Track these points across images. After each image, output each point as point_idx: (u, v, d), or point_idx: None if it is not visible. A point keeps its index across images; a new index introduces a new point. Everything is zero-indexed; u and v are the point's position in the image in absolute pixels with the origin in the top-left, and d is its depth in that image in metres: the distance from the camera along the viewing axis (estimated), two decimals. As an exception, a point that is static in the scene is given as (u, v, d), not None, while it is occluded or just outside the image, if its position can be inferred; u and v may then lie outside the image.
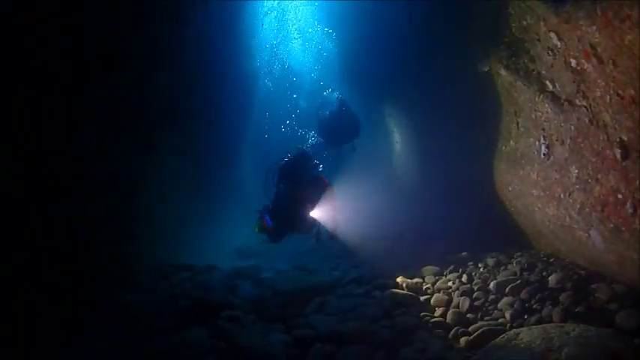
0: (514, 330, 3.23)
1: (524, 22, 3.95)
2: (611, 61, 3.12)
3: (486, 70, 4.99)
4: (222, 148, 9.95)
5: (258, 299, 5.05)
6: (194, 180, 7.93)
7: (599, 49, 3.21)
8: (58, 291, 4.36)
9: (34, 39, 3.49)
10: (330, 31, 13.28)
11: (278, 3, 14.92)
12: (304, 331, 4.17)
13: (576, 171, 3.91)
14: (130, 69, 4.85)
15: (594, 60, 3.30)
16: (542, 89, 4.05)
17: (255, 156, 14.20)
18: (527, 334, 3.01)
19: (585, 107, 3.56)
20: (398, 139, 9.51)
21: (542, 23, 3.66)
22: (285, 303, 4.77)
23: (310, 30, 16.28)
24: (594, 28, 3.16)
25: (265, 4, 13.69)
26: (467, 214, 6.08)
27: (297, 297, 4.89)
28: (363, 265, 6.32)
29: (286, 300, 4.84)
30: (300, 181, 5.99)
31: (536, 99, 4.22)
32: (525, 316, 3.89)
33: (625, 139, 3.18)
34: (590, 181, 3.73)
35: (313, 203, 6.01)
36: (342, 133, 10.58)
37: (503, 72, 4.65)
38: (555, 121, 4.07)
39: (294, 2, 15.51)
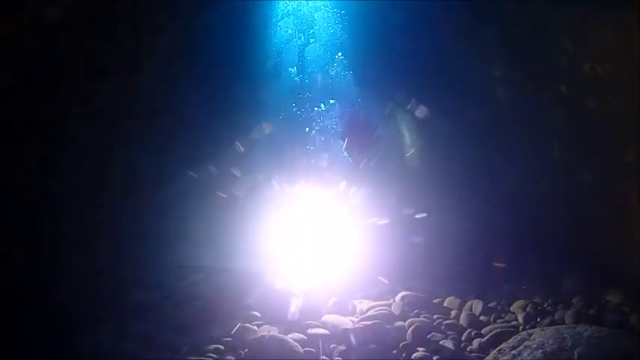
0: (527, 331, 3.27)
1: (539, 26, 4.01)
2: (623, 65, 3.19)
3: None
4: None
5: (273, 299, 5.12)
6: (209, 183, 8.04)
7: (612, 53, 3.28)
8: (72, 291, 4.48)
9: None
10: (343, 12, 12.60)
11: (295, 6, 14.81)
12: (320, 330, 4.25)
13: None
14: (152, 74, 4.99)
15: (607, 64, 3.37)
16: (556, 92, 4.11)
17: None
18: (539, 335, 3.06)
19: (598, 110, 3.62)
20: (410, 144, 9.44)
21: (556, 27, 3.72)
22: (301, 303, 4.85)
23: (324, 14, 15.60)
24: (608, 32, 3.23)
25: (280, 5, 13.73)
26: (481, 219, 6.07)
27: (314, 297, 4.97)
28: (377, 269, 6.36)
29: (303, 300, 4.91)
30: None
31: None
32: (538, 319, 3.94)
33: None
34: (603, 184, 3.78)
35: None
36: (358, 141, 9.98)
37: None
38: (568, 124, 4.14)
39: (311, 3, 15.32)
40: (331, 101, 13.46)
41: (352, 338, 4.04)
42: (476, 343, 3.85)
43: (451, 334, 4.13)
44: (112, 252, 5.27)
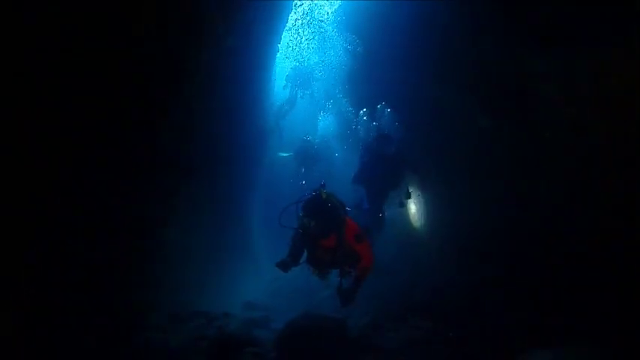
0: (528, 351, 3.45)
1: (521, 74, 4.48)
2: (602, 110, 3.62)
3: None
4: (236, 200, 10.27)
5: (277, 338, 5.21)
6: (209, 229, 8.23)
7: (592, 98, 3.72)
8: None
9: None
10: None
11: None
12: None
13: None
14: (171, 127, 5.33)
15: (588, 108, 3.80)
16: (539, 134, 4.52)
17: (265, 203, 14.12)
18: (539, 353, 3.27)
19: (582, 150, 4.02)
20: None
21: (538, 75, 4.18)
22: (304, 340, 4.95)
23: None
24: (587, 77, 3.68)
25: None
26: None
27: (315, 336, 5.06)
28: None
29: (304, 338, 5.01)
30: (320, 221, 5.01)
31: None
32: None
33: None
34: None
35: (334, 247, 5.11)
36: (383, 177, 7.93)
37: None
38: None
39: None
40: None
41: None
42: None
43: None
44: (114, 294, 5.35)
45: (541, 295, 4.38)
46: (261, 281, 11.41)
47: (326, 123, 16.37)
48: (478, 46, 5.27)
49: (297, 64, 15.20)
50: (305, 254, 5.29)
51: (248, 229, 12.46)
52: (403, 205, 8.16)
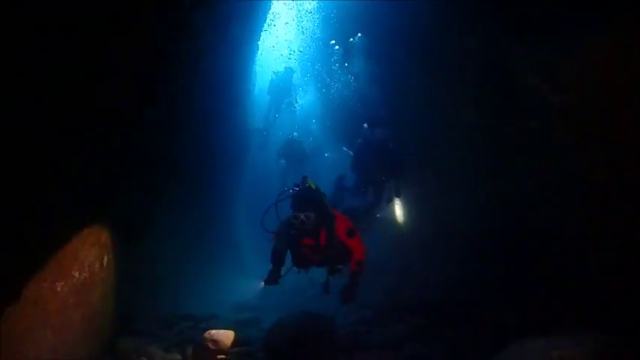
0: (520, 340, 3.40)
1: (509, 66, 4.46)
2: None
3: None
4: (221, 199, 10.16)
5: (265, 338, 5.11)
6: (195, 232, 8.12)
7: (578, 87, 3.71)
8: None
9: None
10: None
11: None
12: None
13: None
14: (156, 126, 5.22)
15: (573, 98, 3.79)
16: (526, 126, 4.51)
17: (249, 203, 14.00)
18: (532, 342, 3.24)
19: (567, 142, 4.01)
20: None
21: (525, 64, 4.17)
22: (294, 340, 4.85)
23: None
24: (575, 66, 3.67)
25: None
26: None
27: (305, 334, 4.97)
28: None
29: (295, 338, 4.92)
30: (313, 213, 4.70)
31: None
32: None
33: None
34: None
35: (324, 244, 4.83)
36: (378, 166, 7.87)
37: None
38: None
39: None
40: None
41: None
42: None
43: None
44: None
45: (540, 295, 4.35)
46: (248, 282, 11.27)
47: (305, 102, 16.13)
48: (464, 44, 5.25)
49: (274, 76, 14.86)
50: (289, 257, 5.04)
51: (233, 229, 12.34)
52: (391, 201, 8.13)
